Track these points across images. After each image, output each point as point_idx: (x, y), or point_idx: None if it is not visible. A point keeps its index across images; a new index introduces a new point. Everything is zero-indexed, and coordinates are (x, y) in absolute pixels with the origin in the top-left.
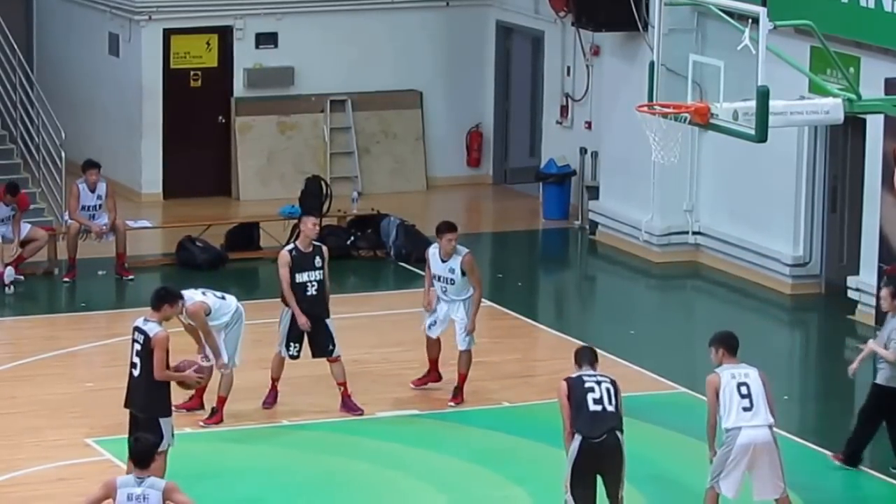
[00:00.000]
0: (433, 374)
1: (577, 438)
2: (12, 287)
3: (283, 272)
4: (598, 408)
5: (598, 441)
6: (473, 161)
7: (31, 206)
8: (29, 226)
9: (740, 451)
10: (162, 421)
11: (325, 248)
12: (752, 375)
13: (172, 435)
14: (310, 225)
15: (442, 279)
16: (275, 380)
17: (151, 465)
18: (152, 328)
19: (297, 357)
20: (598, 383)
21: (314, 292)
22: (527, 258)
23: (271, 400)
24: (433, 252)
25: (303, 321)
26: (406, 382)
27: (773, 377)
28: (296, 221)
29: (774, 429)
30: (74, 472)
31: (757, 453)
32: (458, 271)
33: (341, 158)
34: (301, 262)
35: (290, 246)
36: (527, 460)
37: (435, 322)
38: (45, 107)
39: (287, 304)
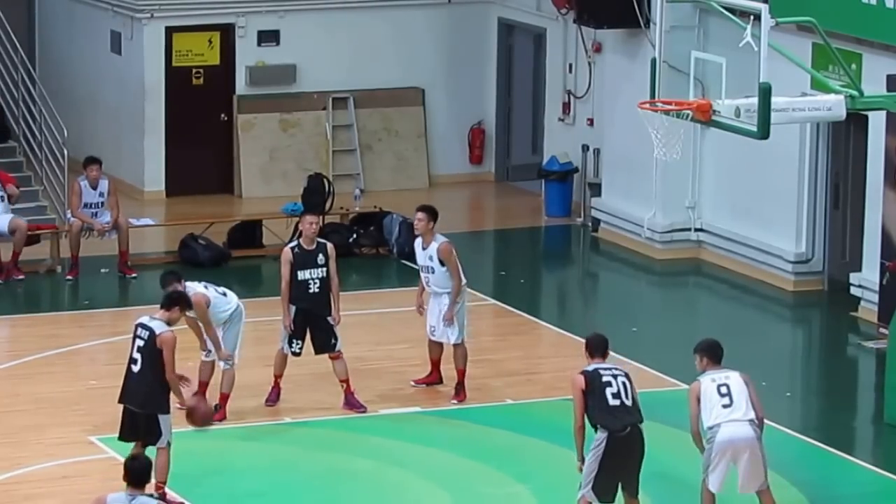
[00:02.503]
0: (434, 374)
1: (603, 434)
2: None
3: (284, 270)
4: (617, 402)
5: (623, 435)
6: (476, 158)
7: (25, 199)
8: (10, 216)
9: (721, 446)
10: (161, 418)
11: (329, 246)
12: (732, 377)
13: (170, 432)
14: (307, 223)
15: (424, 268)
16: (277, 377)
17: (145, 486)
18: (159, 326)
19: (300, 354)
20: (615, 377)
21: (316, 290)
22: (529, 255)
23: (274, 397)
24: (418, 241)
25: (287, 322)
26: (409, 380)
27: (775, 374)
28: (298, 219)
29: (766, 423)
30: (77, 469)
31: (738, 449)
32: (435, 259)
33: (343, 156)
34: (303, 259)
35: (293, 243)
36: (530, 458)
37: (435, 327)
38: (48, 105)
39: (290, 301)
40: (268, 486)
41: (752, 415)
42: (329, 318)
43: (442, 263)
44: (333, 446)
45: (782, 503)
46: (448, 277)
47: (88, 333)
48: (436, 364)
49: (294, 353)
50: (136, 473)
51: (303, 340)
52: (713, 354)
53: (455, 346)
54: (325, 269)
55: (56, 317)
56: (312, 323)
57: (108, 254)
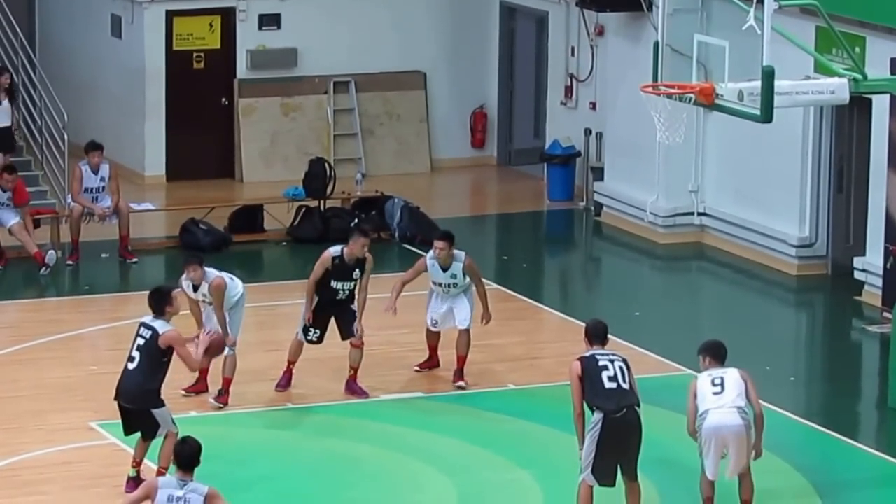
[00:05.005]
0: (434, 358)
1: (599, 416)
2: (49, 269)
3: (318, 271)
4: (614, 385)
5: (619, 416)
6: (478, 142)
7: (26, 184)
8: (14, 214)
9: (707, 433)
10: (154, 412)
11: (369, 259)
12: (730, 372)
13: (173, 422)
14: (359, 245)
15: (444, 285)
16: (291, 363)
17: (195, 470)
18: (162, 326)
19: (315, 342)
20: (612, 361)
21: (343, 297)
22: (531, 240)
23: (284, 382)
24: (432, 263)
25: (308, 315)
26: (411, 365)
27: (778, 358)
28: (303, 205)
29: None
30: (79, 455)
31: (724, 436)
32: (460, 275)
33: (345, 140)
34: (341, 271)
35: (338, 253)
36: (532, 443)
37: (437, 321)
38: (48, 89)
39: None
40: (269, 471)
41: (741, 403)
42: (352, 306)
43: (465, 275)
44: (335, 432)
45: (785, 488)
46: (469, 281)
47: (89, 319)
48: (433, 349)
49: (310, 341)
50: (185, 457)
51: (321, 330)
52: (716, 355)
53: (463, 331)
54: (356, 281)
55: (57, 302)
56: (337, 314)
57: (109, 238)
